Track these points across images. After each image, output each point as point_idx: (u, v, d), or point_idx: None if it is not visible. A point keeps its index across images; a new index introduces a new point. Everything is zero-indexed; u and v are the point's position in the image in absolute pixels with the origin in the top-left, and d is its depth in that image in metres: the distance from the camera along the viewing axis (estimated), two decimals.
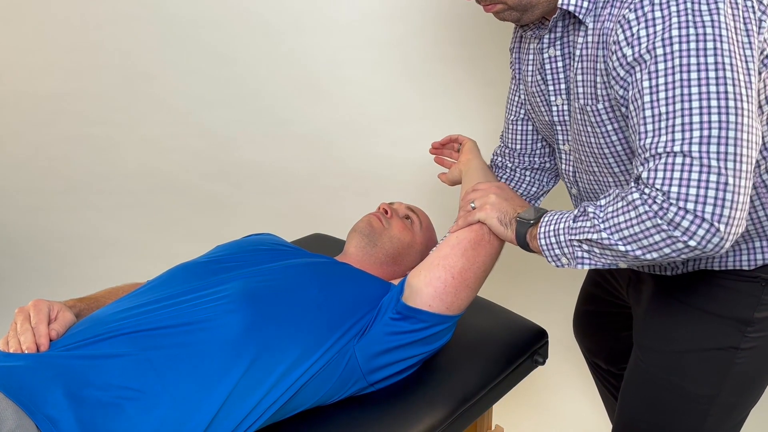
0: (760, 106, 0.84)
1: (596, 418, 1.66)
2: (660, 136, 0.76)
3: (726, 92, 0.74)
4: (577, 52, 0.94)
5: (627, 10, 0.81)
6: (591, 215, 0.85)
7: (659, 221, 0.75)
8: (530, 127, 1.22)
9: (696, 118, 0.74)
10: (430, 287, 1.03)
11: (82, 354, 0.89)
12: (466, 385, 1.15)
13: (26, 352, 0.91)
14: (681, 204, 0.73)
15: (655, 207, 0.75)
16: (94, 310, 1.06)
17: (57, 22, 2.38)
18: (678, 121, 0.75)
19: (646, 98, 0.78)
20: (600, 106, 0.91)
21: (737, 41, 0.76)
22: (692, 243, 0.74)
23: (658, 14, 0.77)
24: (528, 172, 1.27)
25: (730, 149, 0.73)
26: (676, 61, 0.76)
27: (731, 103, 0.74)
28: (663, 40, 0.76)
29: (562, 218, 0.91)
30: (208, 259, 1.16)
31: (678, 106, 0.75)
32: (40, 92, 2.52)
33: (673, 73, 0.76)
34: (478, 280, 1.07)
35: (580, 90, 0.95)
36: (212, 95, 2.28)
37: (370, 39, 1.98)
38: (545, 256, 0.93)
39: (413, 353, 1.08)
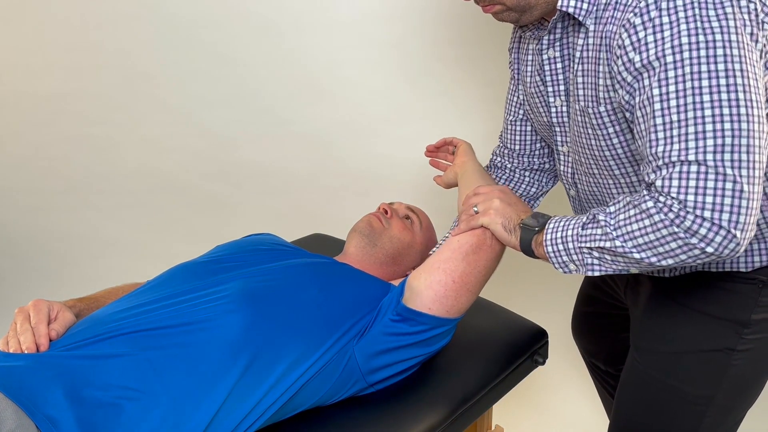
0: None
1: (596, 418, 1.66)
2: (673, 144, 0.77)
3: (737, 99, 0.75)
4: (577, 54, 0.94)
5: (631, 14, 0.81)
6: (602, 223, 0.85)
7: (676, 229, 0.76)
8: (529, 128, 1.22)
9: (709, 127, 0.75)
10: (430, 290, 1.03)
11: (82, 354, 0.89)
12: (466, 385, 1.15)
13: (26, 352, 0.91)
14: (698, 212, 0.75)
15: (671, 215, 0.76)
16: (94, 310, 1.06)
17: (57, 22, 2.38)
18: (691, 129, 0.76)
19: (657, 106, 0.78)
20: (602, 108, 0.91)
21: (745, 45, 0.77)
22: (709, 249, 0.76)
23: (665, 20, 0.77)
24: (527, 173, 1.27)
25: (743, 156, 0.74)
26: (687, 69, 0.76)
27: (743, 110, 0.75)
28: (673, 47, 0.77)
29: (569, 225, 0.90)
30: (207, 259, 1.16)
31: (690, 114, 0.76)
32: (40, 92, 2.52)
33: (684, 81, 0.76)
34: (478, 284, 1.07)
35: (581, 92, 0.95)
36: (212, 95, 2.28)
37: (371, 39, 1.98)
38: (552, 263, 0.92)
39: (412, 355, 1.08)
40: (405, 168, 2.07)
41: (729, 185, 0.74)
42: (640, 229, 0.80)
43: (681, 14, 0.77)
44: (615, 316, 1.28)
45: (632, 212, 0.81)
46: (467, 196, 1.09)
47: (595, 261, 0.87)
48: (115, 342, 0.91)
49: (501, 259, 1.09)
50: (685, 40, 0.76)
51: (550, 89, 1.04)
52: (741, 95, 0.75)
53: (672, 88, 0.77)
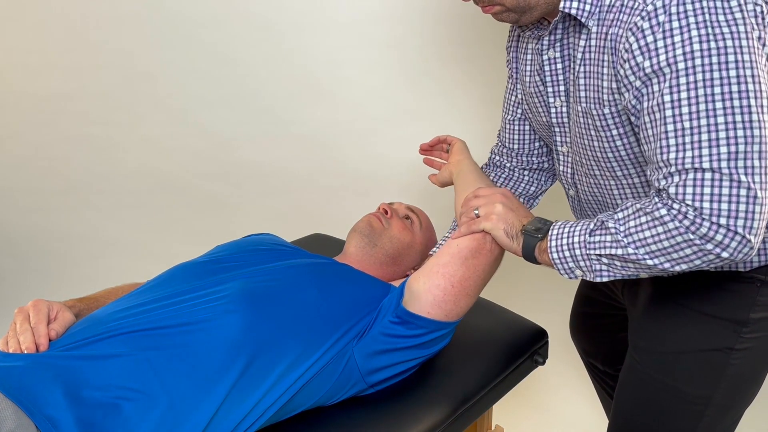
0: None
1: (596, 418, 1.66)
2: (686, 151, 0.78)
3: (749, 106, 0.76)
4: (579, 55, 0.94)
5: (638, 18, 0.81)
6: (612, 230, 0.85)
7: (691, 236, 0.77)
8: (527, 127, 1.22)
9: (722, 134, 0.76)
10: (429, 295, 1.03)
11: (81, 354, 0.89)
12: (466, 385, 1.15)
13: (25, 352, 0.91)
14: (714, 219, 0.76)
15: (687, 222, 0.77)
16: (93, 310, 1.06)
17: (57, 22, 2.38)
18: (704, 137, 0.77)
19: (668, 112, 0.79)
20: (606, 111, 0.91)
21: (755, 50, 0.77)
22: (725, 255, 0.77)
23: (675, 24, 0.78)
24: (526, 172, 1.27)
25: (756, 162, 0.76)
26: (699, 76, 0.77)
27: (755, 117, 0.76)
28: (685, 54, 0.77)
29: (574, 231, 0.90)
30: (207, 259, 1.16)
31: (704, 121, 0.77)
32: (40, 92, 2.52)
33: (697, 88, 0.77)
34: (478, 287, 1.06)
35: (583, 94, 0.95)
36: (212, 95, 2.28)
37: (371, 39, 1.98)
38: (557, 269, 0.92)
39: (411, 357, 1.08)
40: (405, 168, 2.07)
41: (743, 192, 0.75)
42: (653, 236, 0.81)
43: (692, 19, 0.77)
44: (613, 317, 1.28)
45: (644, 219, 0.82)
46: (467, 198, 1.08)
47: (604, 267, 0.88)
48: (114, 342, 0.91)
49: (501, 262, 1.09)
50: (696, 47, 0.76)
51: (550, 90, 1.04)
52: (753, 101, 0.76)
53: (684, 95, 0.77)
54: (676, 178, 0.78)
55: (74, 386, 0.83)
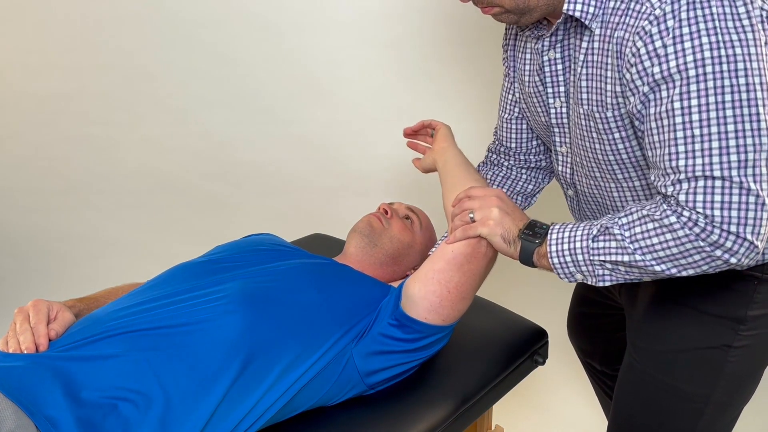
0: None
1: (596, 418, 1.66)
2: (696, 158, 0.78)
3: (758, 114, 0.76)
4: (581, 57, 0.93)
5: (646, 22, 0.80)
6: (618, 236, 0.85)
7: (701, 243, 0.78)
8: (524, 126, 1.21)
9: (732, 142, 0.76)
10: (425, 301, 1.03)
11: (81, 354, 0.89)
12: (466, 385, 1.15)
13: (25, 352, 0.91)
14: (725, 227, 0.77)
15: (697, 230, 0.78)
16: (93, 310, 1.06)
17: (57, 22, 2.38)
18: (715, 144, 0.77)
19: (678, 119, 0.79)
20: (609, 114, 0.91)
21: (764, 57, 0.77)
22: (733, 260, 0.78)
23: (685, 30, 0.77)
24: (524, 171, 1.27)
25: (764, 170, 0.77)
26: (710, 83, 0.77)
27: (763, 125, 0.76)
28: (695, 61, 0.77)
29: (575, 236, 0.90)
30: (207, 259, 1.15)
31: (714, 129, 0.77)
32: (40, 92, 2.52)
33: (707, 95, 0.77)
34: (474, 290, 1.07)
35: (585, 96, 0.94)
36: (212, 95, 2.28)
37: (370, 39, 1.98)
38: (557, 274, 0.92)
39: (410, 358, 1.08)
40: (405, 168, 2.06)
41: (752, 199, 0.76)
42: (661, 243, 0.81)
43: (702, 26, 0.77)
44: (610, 316, 1.28)
45: (651, 226, 0.82)
46: (460, 199, 1.05)
47: (607, 272, 0.88)
48: (113, 341, 0.91)
49: (495, 261, 1.09)
50: (707, 54, 0.77)
51: (549, 90, 1.04)
52: (761, 109, 0.76)
53: (695, 102, 0.78)
54: (686, 185, 0.79)
55: (74, 386, 0.83)
